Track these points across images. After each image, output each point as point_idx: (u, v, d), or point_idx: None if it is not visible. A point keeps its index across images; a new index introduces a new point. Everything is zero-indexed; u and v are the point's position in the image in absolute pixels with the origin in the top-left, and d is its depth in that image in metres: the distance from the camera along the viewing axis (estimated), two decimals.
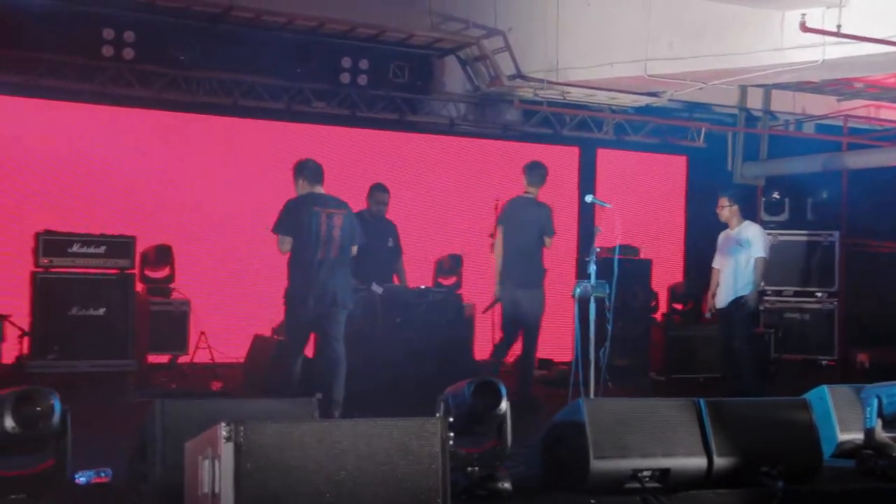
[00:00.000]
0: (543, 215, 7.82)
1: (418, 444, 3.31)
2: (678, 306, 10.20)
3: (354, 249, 6.96)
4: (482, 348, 8.98)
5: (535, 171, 8.00)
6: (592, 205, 7.57)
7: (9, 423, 3.61)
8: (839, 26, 7.51)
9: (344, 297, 6.78)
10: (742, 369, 7.99)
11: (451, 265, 9.50)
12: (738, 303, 7.99)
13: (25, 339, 7.70)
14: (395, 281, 8.30)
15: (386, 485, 3.23)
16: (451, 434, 3.48)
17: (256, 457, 3.07)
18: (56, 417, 3.62)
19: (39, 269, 7.75)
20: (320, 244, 6.68)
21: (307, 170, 6.96)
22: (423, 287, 8.31)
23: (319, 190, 6.91)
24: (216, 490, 3.03)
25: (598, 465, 4.41)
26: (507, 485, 4.36)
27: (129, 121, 9.31)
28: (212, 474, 3.05)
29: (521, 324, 7.75)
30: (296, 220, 6.71)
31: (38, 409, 3.60)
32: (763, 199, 11.59)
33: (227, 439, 3.02)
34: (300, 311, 6.68)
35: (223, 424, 3.05)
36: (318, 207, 6.75)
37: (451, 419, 4.28)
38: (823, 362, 10.85)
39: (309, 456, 3.15)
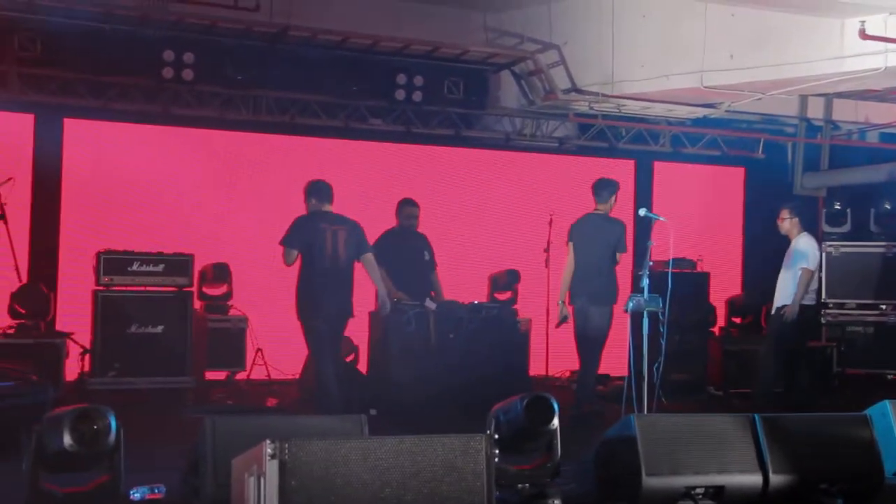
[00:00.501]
0: (616, 231, 7.84)
1: (463, 461, 3.30)
2: (737, 320, 10.05)
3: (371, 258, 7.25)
4: (537, 364, 8.95)
5: (603, 188, 8.00)
6: (648, 218, 7.51)
7: (67, 440, 3.69)
8: None
9: (349, 310, 7.19)
10: (760, 378, 7.90)
11: (507, 280, 9.48)
12: (777, 313, 7.92)
13: (87, 357, 7.87)
14: (432, 294, 8.30)
15: (431, 502, 3.23)
16: (497, 451, 3.46)
17: (301, 474, 3.09)
18: (112, 435, 3.69)
19: (100, 288, 7.93)
20: (326, 260, 7.01)
21: (317, 189, 7.34)
22: (476, 302, 8.30)
23: (328, 208, 7.27)
24: None
25: (650, 482, 4.35)
26: (557, 501, 4.34)
27: (188, 140, 9.48)
28: (257, 491, 3.08)
29: (588, 339, 7.72)
30: (303, 235, 7.08)
31: (96, 427, 3.67)
32: (824, 210, 11.37)
33: (272, 457, 3.05)
34: (316, 325, 7.01)
35: (268, 442, 3.08)
36: (325, 225, 7.11)
37: (500, 435, 4.29)
38: (889, 377, 10.59)
39: (353, 473, 3.16)
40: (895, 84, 9.73)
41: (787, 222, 8.17)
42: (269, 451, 3.05)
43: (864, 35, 7.57)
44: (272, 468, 3.05)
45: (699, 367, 9.43)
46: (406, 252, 8.31)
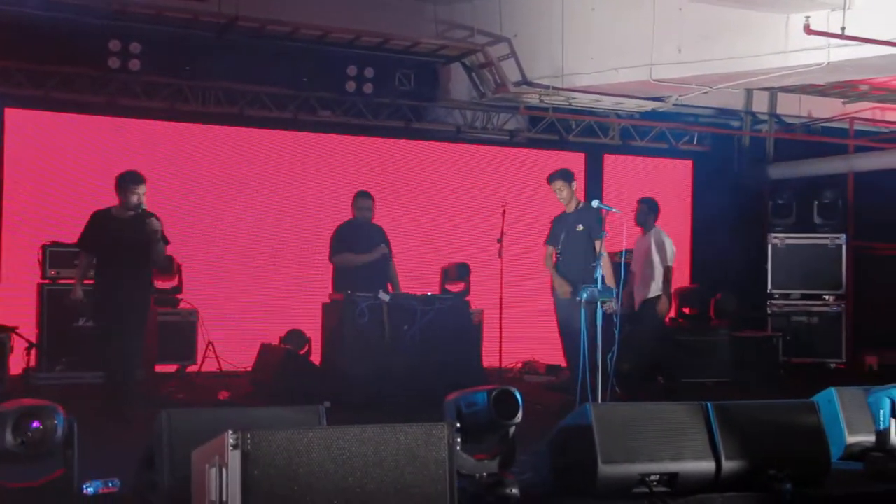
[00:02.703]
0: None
1: (426, 449, 3.30)
2: (686, 310, 10.18)
3: None
4: (491, 355, 8.98)
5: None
6: (599, 210, 7.57)
7: (9, 440, 3.61)
8: (843, 28, 7.51)
9: None
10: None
11: (458, 273, 9.50)
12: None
13: (33, 351, 7.71)
14: (389, 288, 8.29)
15: (394, 491, 3.23)
16: (459, 440, 3.47)
17: (264, 464, 3.07)
18: (59, 432, 3.62)
19: (46, 281, 7.79)
20: None
21: None
22: (429, 294, 8.30)
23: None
24: (223, 498, 3.03)
25: (606, 469, 4.39)
26: (514, 490, 4.34)
27: (135, 131, 9.34)
28: (219, 482, 3.05)
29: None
30: None
31: (41, 425, 3.60)
32: (770, 202, 11.57)
33: (234, 447, 3.02)
34: None
35: (230, 432, 3.05)
36: None
37: (461, 425, 4.29)
38: (832, 365, 10.83)
39: (316, 462, 3.15)
40: (837, 79, 9.96)
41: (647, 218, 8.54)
42: (231, 441, 3.02)
43: (808, 30, 7.71)
44: (234, 458, 3.02)
45: (650, 357, 9.52)
46: (362, 244, 8.30)
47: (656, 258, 8.43)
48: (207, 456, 3.17)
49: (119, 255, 6.76)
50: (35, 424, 3.59)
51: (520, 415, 4.34)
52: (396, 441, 3.27)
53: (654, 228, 8.64)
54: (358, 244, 8.30)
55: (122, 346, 6.71)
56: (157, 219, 6.83)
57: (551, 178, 7.82)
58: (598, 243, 7.42)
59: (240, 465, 3.02)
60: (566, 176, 7.79)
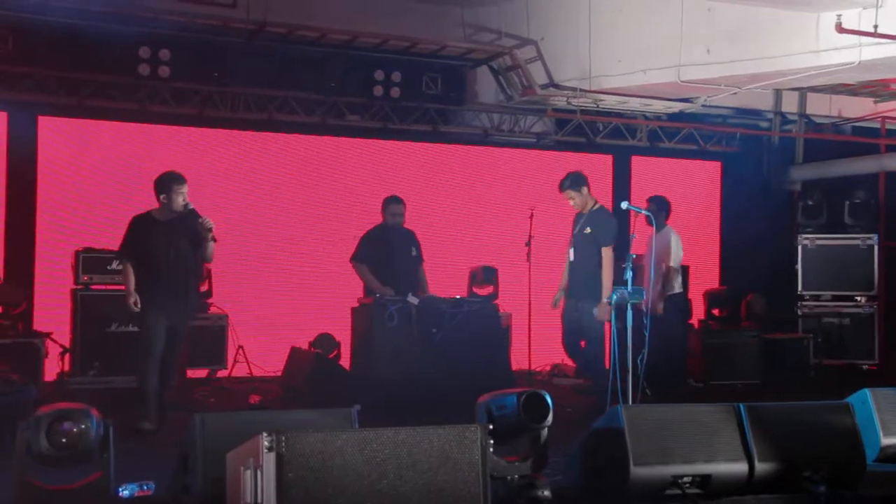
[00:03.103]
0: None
1: (459, 451, 3.31)
2: (715, 312, 10.12)
3: None
4: (519, 358, 8.97)
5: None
6: (628, 212, 7.54)
7: (43, 444, 3.65)
8: (876, 27, 7.43)
9: None
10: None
11: (484, 276, 9.50)
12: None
13: (67, 356, 7.81)
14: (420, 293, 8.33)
15: (427, 493, 3.24)
16: (491, 441, 3.48)
17: (298, 466, 3.09)
18: (92, 435, 3.65)
19: (79, 287, 7.88)
20: None
21: None
22: (458, 297, 8.31)
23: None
24: (259, 500, 3.05)
25: (638, 472, 4.38)
26: (546, 493, 4.35)
27: (166, 138, 9.42)
28: (254, 484, 3.08)
29: None
30: None
31: (74, 429, 3.63)
32: (800, 203, 11.48)
33: (269, 449, 3.04)
34: None
35: (265, 434, 3.08)
36: None
37: (492, 427, 4.30)
38: (864, 367, 10.72)
39: (350, 465, 3.16)
40: (868, 78, 9.86)
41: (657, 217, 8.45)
42: (265, 443, 3.04)
43: (840, 29, 7.63)
44: (269, 461, 3.04)
45: (679, 359, 9.48)
46: (392, 248, 8.34)
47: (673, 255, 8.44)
48: (242, 458, 3.19)
49: (164, 259, 6.63)
50: (67, 427, 3.62)
51: (550, 417, 4.34)
52: (430, 443, 3.28)
53: (667, 227, 8.61)
54: (386, 250, 8.33)
55: (165, 354, 6.64)
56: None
57: (561, 188, 7.79)
58: (604, 251, 7.38)
59: (275, 466, 3.04)
60: (574, 183, 7.72)
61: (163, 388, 6.67)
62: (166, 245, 6.63)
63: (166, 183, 6.71)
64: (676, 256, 8.50)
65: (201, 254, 6.79)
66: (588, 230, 7.57)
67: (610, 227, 7.55)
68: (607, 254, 7.41)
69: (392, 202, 8.53)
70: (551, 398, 4.36)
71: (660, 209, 8.60)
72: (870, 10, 7.62)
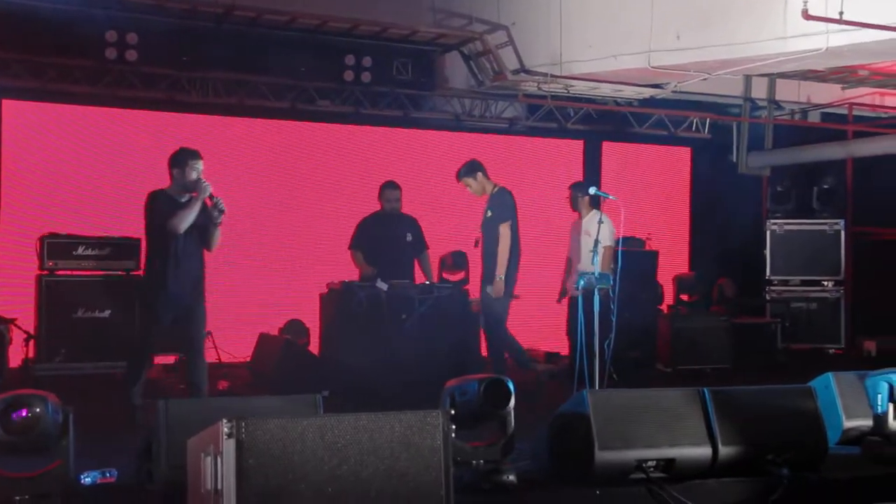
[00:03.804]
0: None
1: (420, 437, 3.31)
2: (684, 297, 10.19)
3: None
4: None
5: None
6: (597, 197, 7.56)
7: None
8: (841, 13, 7.48)
9: None
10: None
11: (456, 262, 9.48)
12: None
13: (31, 343, 7.73)
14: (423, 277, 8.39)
15: (388, 479, 3.23)
16: (454, 427, 3.48)
17: (258, 453, 3.07)
18: (49, 421, 3.61)
19: (44, 272, 7.79)
20: None
21: None
22: (428, 283, 8.30)
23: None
24: (219, 487, 3.04)
25: (602, 456, 4.40)
26: (511, 477, 4.36)
27: (133, 123, 9.34)
28: (214, 471, 3.06)
29: None
30: None
31: (29, 415, 3.59)
32: (769, 189, 11.56)
33: (229, 436, 3.03)
34: None
35: (225, 421, 3.06)
36: None
37: (456, 413, 4.30)
38: (831, 351, 10.85)
39: (310, 450, 3.15)
40: (836, 64, 9.92)
41: (577, 201, 8.54)
42: (225, 429, 3.03)
43: (806, 15, 7.67)
44: (229, 447, 3.03)
45: (649, 344, 9.55)
46: (387, 235, 8.35)
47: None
48: (203, 444, 3.18)
49: (181, 243, 6.32)
50: (21, 414, 3.58)
51: (511, 403, 4.35)
52: (391, 429, 3.28)
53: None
54: (381, 236, 8.34)
55: (189, 335, 6.45)
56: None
57: (458, 177, 7.89)
58: (501, 227, 7.41)
59: (234, 453, 3.03)
60: (469, 171, 7.80)
61: (198, 379, 6.40)
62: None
63: (181, 156, 6.40)
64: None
65: (206, 239, 6.48)
66: (489, 213, 7.65)
67: (505, 206, 7.60)
68: (503, 231, 7.45)
69: (387, 188, 8.56)
70: (514, 384, 4.37)
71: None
72: None
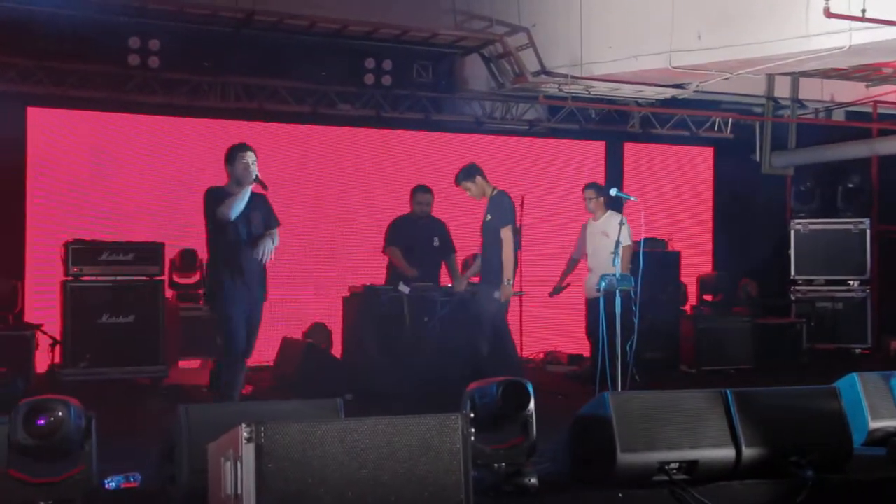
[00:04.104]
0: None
1: (440, 440, 3.31)
2: (708, 297, 10.13)
3: None
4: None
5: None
6: (619, 199, 7.53)
7: (21, 435, 3.62)
8: (864, 10, 7.41)
9: None
10: None
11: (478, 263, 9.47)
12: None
13: (57, 348, 7.80)
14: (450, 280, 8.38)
15: (408, 482, 3.23)
16: (473, 430, 3.47)
17: (277, 457, 3.08)
18: (72, 426, 3.63)
19: (69, 278, 7.85)
20: None
21: None
22: (450, 285, 8.30)
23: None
24: (238, 491, 3.05)
25: (625, 458, 4.37)
26: (533, 480, 4.34)
27: (156, 128, 9.40)
28: (234, 476, 3.07)
29: None
30: None
31: (52, 419, 3.61)
32: (793, 188, 11.48)
33: (248, 440, 3.04)
34: None
35: (244, 426, 3.07)
36: None
37: (476, 416, 4.29)
38: (857, 351, 10.75)
39: (330, 455, 3.16)
40: (859, 62, 9.83)
41: (592, 202, 8.40)
42: (244, 434, 3.04)
43: (828, 13, 7.61)
44: (248, 452, 3.04)
45: (673, 345, 9.51)
46: (415, 237, 8.38)
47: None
48: (222, 449, 3.19)
49: (239, 238, 6.23)
50: (43, 419, 3.59)
51: (531, 406, 4.33)
52: (410, 432, 3.27)
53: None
54: (410, 238, 8.36)
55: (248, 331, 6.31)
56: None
57: (456, 182, 7.79)
58: (503, 231, 7.35)
59: (254, 458, 3.04)
60: (467, 175, 7.69)
61: (235, 380, 6.29)
62: (241, 220, 6.24)
63: (230, 152, 6.36)
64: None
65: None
66: (489, 217, 7.59)
67: (504, 209, 7.51)
68: (505, 235, 7.40)
69: (419, 191, 8.60)
70: (533, 387, 4.35)
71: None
72: None
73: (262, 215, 6.42)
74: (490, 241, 7.55)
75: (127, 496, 4.18)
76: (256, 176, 6.26)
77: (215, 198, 6.29)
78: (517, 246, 7.58)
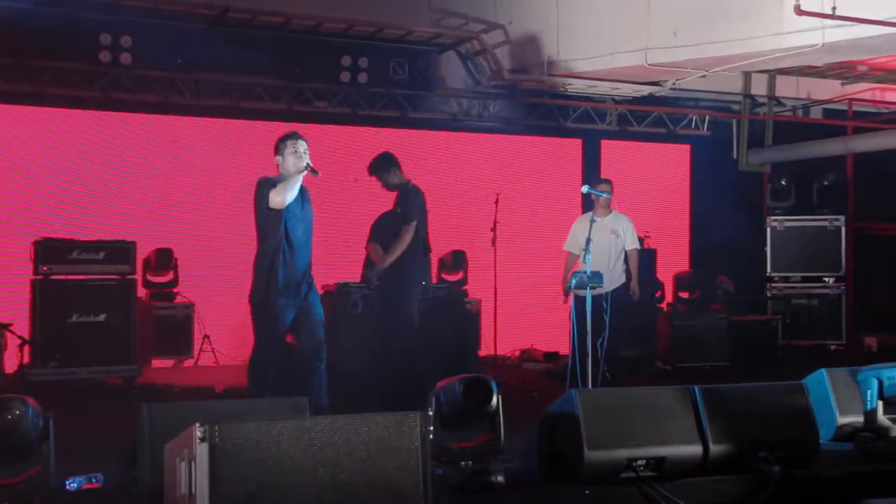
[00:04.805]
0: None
1: (398, 439, 3.28)
2: (684, 295, 10.15)
3: None
4: (486, 344, 8.96)
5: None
6: (591, 195, 7.52)
7: None
8: (834, 8, 7.44)
9: None
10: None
11: (453, 261, 9.47)
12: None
13: (26, 348, 7.72)
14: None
15: (365, 481, 3.20)
16: (432, 428, 3.44)
17: (232, 457, 3.04)
18: (29, 425, 3.58)
19: (38, 277, 7.77)
20: None
21: None
22: (423, 283, 8.25)
23: None
24: (192, 491, 3.02)
25: (592, 455, 4.35)
26: (500, 478, 4.32)
27: (129, 125, 9.33)
28: (188, 476, 3.04)
29: None
30: None
31: (8, 418, 3.56)
32: (769, 185, 11.51)
33: (202, 440, 3.00)
34: None
35: (198, 425, 3.04)
36: None
37: (442, 414, 4.28)
38: (832, 347, 10.79)
39: (286, 454, 3.12)
40: (833, 60, 9.87)
41: (608, 199, 8.24)
42: (198, 434, 3.00)
43: (798, 10, 7.62)
44: (202, 452, 3.00)
45: (650, 342, 9.52)
46: (392, 235, 8.28)
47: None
48: (178, 449, 3.15)
49: (292, 234, 6.02)
50: (3, 418, 3.54)
51: (494, 402, 4.31)
52: (368, 431, 3.24)
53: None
54: (386, 236, 8.27)
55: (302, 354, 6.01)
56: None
57: (370, 171, 7.61)
58: (405, 227, 7.21)
59: (208, 457, 3.00)
60: (381, 165, 7.55)
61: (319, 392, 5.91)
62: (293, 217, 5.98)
63: (278, 143, 6.05)
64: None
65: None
66: (398, 210, 7.46)
67: (414, 204, 7.34)
68: (406, 229, 7.24)
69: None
70: (496, 383, 4.33)
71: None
72: None
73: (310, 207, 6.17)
74: (393, 234, 7.36)
75: (88, 497, 4.12)
76: (308, 164, 5.94)
77: (263, 185, 5.98)
78: (427, 248, 7.45)
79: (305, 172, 5.95)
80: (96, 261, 7.90)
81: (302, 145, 5.99)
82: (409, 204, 7.30)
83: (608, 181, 8.46)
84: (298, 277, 6.08)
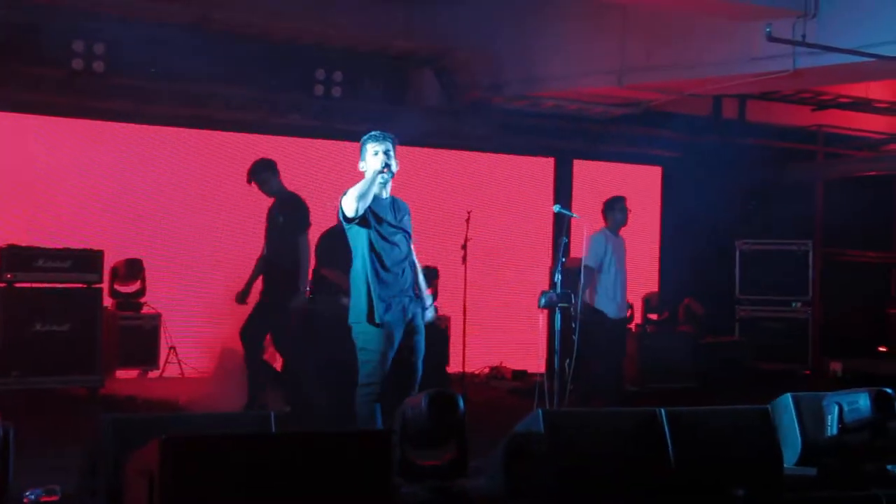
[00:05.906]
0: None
1: (361, 456, 3.26)
2: (653, 316, 10.18)
3: None
4: (455, 361, 8.93)
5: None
6: (563, 215, 7.52)
7: None
8: (804, 36, 7.55)
9: None
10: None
11: (425, 276, 9.41)
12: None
13: None
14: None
15: (326, 499, 3.18)
16: (405, 445, 3.42)
17: (191, 472, 3.01)
18: None
19: (2, 285, 7.65)
20: None
21: None
22: None
23: None
24: None
25: (556, 475, 4.35)
26: (466, 496, 4.31)
27: (100, 133, 9.24)
28: (148, 490, 3.00)
29: None
30: None
31: None
32: (739, 208, 11.60)
33: (161, 454, 2.97)
34: None
35: (159, 440, 3.00)
36: None
37: (408, 431, 4.26)
38: (799, 372, 10.86)
39: (249, 468, 3.09)
40: (804, 87, 10.00)
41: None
42: (158, 449, 2.97)
43: (770, 38, 7.72)
44: (162, 466, 2.96)
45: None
46: None
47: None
48: (137, 464, 3.11)
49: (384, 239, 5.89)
50: None
51: (459, 418, 4.29)
52: (329, 448, 3.22)
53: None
54: (342, 255, 8.21)
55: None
56: None
57: (250, 177, 7.49)
58: (300, 238, 7.12)
59: (166, 472, 2.96)
60: (261, 171, 7.44)
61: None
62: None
63: (361, 146, 5.76)
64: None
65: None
66: (280, 219, 7.34)
67: (301, 213, 7.27)
68: (302, 241, 7.17)
69: None
70: (462, 398, 4.32)
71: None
72: (804, 21, 7.72)
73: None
74: (283, 248, 7.23)
75: None
76: (387, 164, 5.65)
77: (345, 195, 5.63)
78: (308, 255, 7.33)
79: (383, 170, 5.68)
80: (62, 269, 7.80)
81: (383, 146, 5.69)
82: (298, 212, 7.24)
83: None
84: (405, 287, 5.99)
